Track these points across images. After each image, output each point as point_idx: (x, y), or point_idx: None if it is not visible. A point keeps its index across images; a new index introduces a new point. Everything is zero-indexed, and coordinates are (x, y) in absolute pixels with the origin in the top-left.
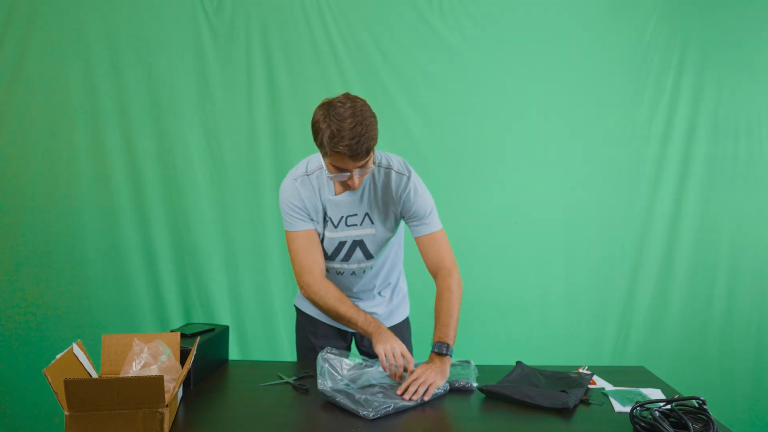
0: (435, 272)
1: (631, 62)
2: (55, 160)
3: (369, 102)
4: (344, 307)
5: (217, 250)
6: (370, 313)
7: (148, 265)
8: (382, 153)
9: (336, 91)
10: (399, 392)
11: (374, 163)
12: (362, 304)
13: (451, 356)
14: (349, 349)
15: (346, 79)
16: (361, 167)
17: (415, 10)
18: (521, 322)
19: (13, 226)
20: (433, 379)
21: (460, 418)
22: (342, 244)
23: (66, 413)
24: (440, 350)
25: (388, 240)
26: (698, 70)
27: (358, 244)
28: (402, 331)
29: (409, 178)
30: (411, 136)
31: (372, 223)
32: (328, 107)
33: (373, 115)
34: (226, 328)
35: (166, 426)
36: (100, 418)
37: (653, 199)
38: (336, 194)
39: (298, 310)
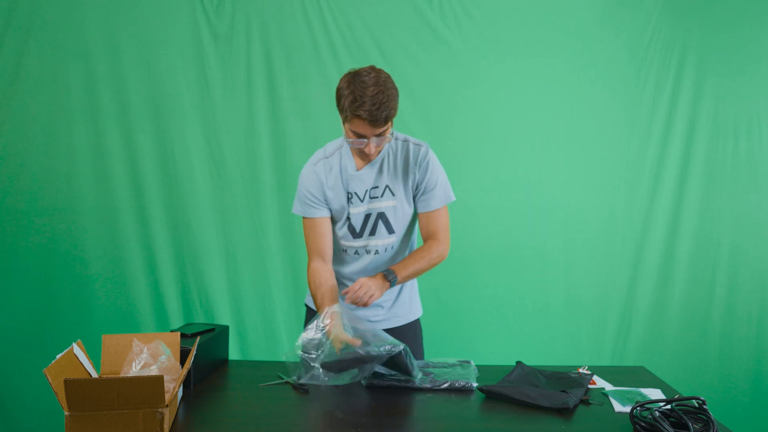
0: (425, 240)
1: (631, 62)
2: (55, 160)
3: None
4: (320, 294)
5: (217, 250)
6: (380, 305)
7: (148, 265)
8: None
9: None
10: (345, 294)
11: (391, 134)
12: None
13: (392, 286)
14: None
15: None
16: (378, 135)
17: (415, 10)
18: (521, 322)
19: (13, 226)
20: (373, 292)
21: (460, 418)
22: (368, 216)
23: (66, 413)
24: (388, 275)
25: (407, 217)
26: (698, 70)
27: (380, 216)
28: (414, 330)
29: (427, 148)
30: (411, 136)
31: (393, 195)
32: (353, 75)
33: (395, 88)
34: (226, 328)
35: (166, 426)
36: (100, 418)
37: (653, 199)
38: (357, 170)
39: (308, 309)
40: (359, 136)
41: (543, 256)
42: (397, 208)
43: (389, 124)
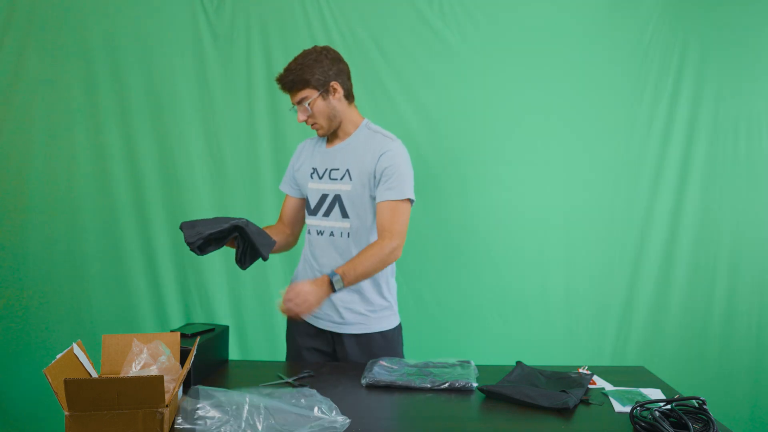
0: (379, 235)
1: (631, 62)
2: (55, 160)
3: (369, 101)
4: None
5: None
6: (337, 303)
7: (148, 265)
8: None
9: None
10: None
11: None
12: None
13: (335, 291)
14: (332, 350)
15: None
16: (297, 103)
17: (415, 10)
18: (521, 322)
19: (13, 226)
20: (309, 301)
21: (460, 418)
22: (324, 196)
23: (66, 413)
24: (333, 280)
25: (366, 205)
26: (698, 70)
27: (337, 199)
28: (395, 337)
29: (394, 142)
30: (411, 136)
31: (351, 179)
32: None
33: (323, 57)
34: (226, 328)
35: (166, 426)
36: (100, 418)
37: (653, 199)
38: (327, 148)
39: None
40: (293, 106)
41: (543, 255)
42: (353, 194)
43: (309, 93)
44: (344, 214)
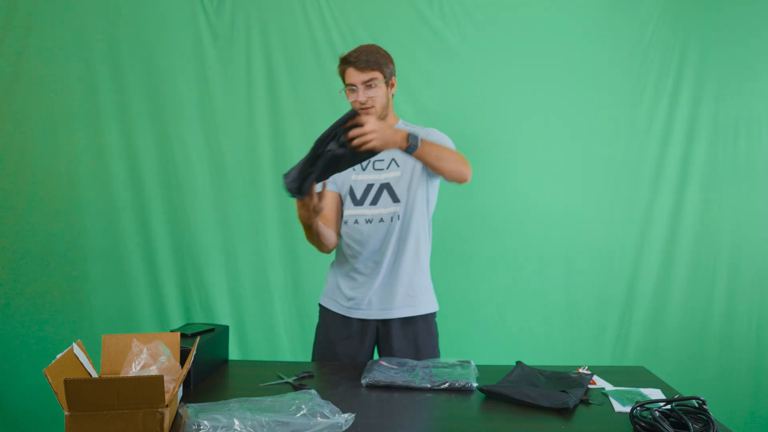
0: None
1: (631, 62)
2: (55, 160)
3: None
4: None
5: (217, 250)
6: (383, 288)
7: (148, 265)
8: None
9: (336, 91)
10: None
11: (398, 118)
12: (385, 273)
13: (408, 151)
14: (370, 349)
15: None
16: (365, 82)
17: (415, 10)
18: (521, 322)
19: (13, 226)
20: (376, 138)
21: (460, 418)
22: (370, 186)
23: (66, 413)
24: (411, 137)
25: (417, 185)
26: (698, 70)
27: (385, 187)
28: (429, 322)
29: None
30: None
31: (398, 166)
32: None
33: (389, 56)
34: (226, 328)
35: (166, 426)
36: (100, 418)
37: (653, 199)
38: None
39: (323, 309)
40: (351, 86)
41: (543, 255)
42: (402, 178)
43: (379, 76)
44: (395, 199)
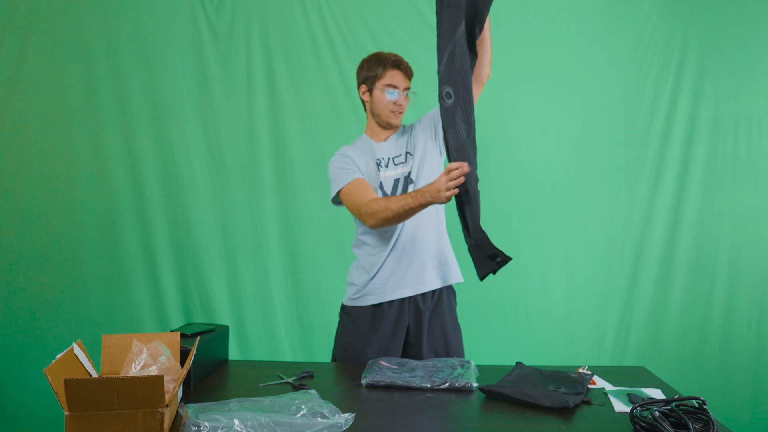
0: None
1: (631, 62)
2: (54, 160)
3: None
4: (396, 199)
5: (217, 250)
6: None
7: (148, 265)
8: None
9: (336, 91)
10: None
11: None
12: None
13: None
14: (400, 346)
15: (346, 79)
16: (406, 89)
17: (415, 10)
18: (521, 322)
19: (13, 226)
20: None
21: (460, 418)
22: (397, 181)
23: (66, 413)
24: None
25: (436, 160)
26: (698, 70)
27: (407, 179)
28: (450, 296)
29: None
30: None
31: (412, 154)
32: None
33: None
34: (226, 328)
35: (166, 426)
36: (100, 418)
37: (653, 199)
38: (378, 142)
39: (347, 310)
40: (393, 87)
41: (543, 255)
42: (418, 167)
43: (409, 84)
44: (416, 186)
